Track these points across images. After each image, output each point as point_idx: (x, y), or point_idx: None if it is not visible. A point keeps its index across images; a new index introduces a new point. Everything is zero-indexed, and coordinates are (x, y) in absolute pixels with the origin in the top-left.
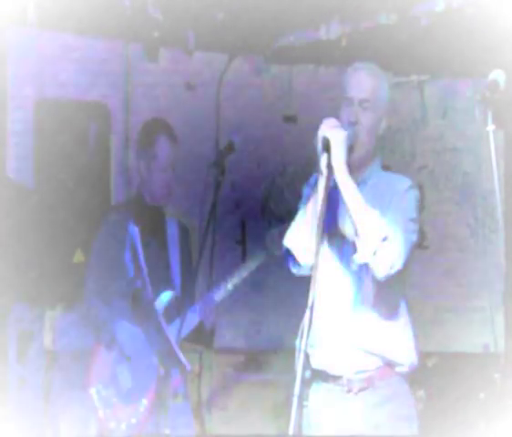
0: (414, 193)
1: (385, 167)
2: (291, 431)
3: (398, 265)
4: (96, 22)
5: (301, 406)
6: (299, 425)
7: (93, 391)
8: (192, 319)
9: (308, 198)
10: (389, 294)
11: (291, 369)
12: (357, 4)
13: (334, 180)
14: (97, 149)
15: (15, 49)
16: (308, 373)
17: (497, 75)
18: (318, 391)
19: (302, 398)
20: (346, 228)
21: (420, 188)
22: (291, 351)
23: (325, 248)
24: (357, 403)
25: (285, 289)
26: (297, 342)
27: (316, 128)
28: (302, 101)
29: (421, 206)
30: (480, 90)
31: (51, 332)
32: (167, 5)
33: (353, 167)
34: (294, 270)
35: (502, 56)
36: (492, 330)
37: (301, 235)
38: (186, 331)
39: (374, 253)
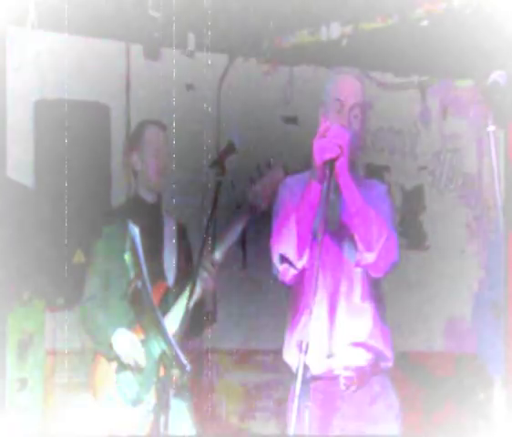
0: (391, 198)
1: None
2: (291, 432)
3: (394, 260)
4: (96, 22)
5: (301, 406)
6: (299, 425)
7: (96, 393)
8: (195, 291)
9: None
10: (380, 290)
11: (292, 369)
12: (357, 4)
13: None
14: (97, 149)
15: (14, 49)
16: (309, 374)
17: (498, 75)
18: (314, 389)
19: (302, 398)
20: (343, 228)
21: (420, 188)
22: None
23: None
24: (354, 400)
25: (286, 289)
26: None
27: (316, 129)
28: (302, 102)
29: (422, 206)
30: (481, 91)
31: (51, 333)
32: (167, 5)
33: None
34: (286, 279)
35: (502, 57)
36: (492, 331)
37: (295, 239)
38: (191, 304)
39: (375, 255)
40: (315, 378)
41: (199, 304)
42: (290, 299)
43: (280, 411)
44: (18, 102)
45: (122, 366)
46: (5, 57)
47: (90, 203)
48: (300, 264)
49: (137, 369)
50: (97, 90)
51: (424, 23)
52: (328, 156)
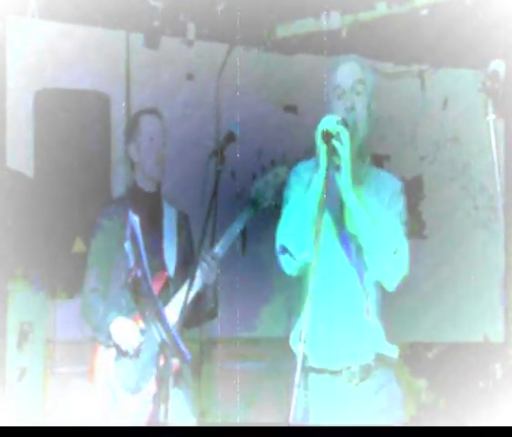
0: (404, 195)
1: (378, 157)
2: (291, 421)
3: (405, 272)
4: (96, 11)
5: (301, 395)
6: (299, 414)
7: (95, 382)
8: (195, 283)
9: (298, 191)
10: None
11: (292, 358)
12: None
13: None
14: (97, 138)
15: (14, 38)
16: (308, 363)
17: (498, 64)
18: (318, 380)
19: (302, 387)
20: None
21: (420, 177)
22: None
23: (325, 242)
24: (357, 392)
25: (286, 278)
26: (291, 337)
27: (316, 118)
28: (302, 91)
29: (421, 195)
30: (481, 80)
31: (51, 322)
32: None
33: (353, 158)
34: (289, 271)
35: (502, 46)
36: (492, 321)
37: (296, 230)
38: (190, 297)
39: (387, 269)
40: (318, 370)
41: (200, 297)
42: (296, 286)
43: (280, 400)
44: (18, 92)
45: (121, 353)
46: (6, 48)
47: (90, 192)
48: (301, 257)
49: (136, 355)
50: (98, 79)
51: (424, 12)
52: (327, 127)
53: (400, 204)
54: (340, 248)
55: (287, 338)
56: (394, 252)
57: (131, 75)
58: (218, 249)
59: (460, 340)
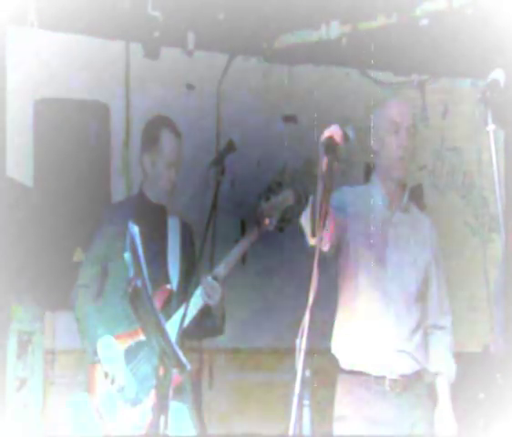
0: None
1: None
2: (291, 432)
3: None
4: (96, 21)
5: (301, 406)
6: (299, 425)
7: (96, 394)
8: (196, 302)
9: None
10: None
11: (292, 368)
12: (357, 4)
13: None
14: (97, 149)
15: (14, 47)
16: (308, 373)
17: (497, 74)
18: (358, 386)
19: (302, 397)
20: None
21: (420, 187)
22: (291, 351)
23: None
24: (396, 402)
25: (286, 288)
26: (297, 342)
27: (316, 128)
28: (301, 101)
29: (421, 205)
30: (480, 90)
31: (51, 332)
32: (167, 4)
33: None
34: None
35: (502, 56)
36: (492, 330)
37: (309, 219)
38: (191, 315)
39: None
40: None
41: (205, 314)
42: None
43: (281, 411)
44: (18, 101)
45: (103, 374)
46: (5, 56)
47: (90, 202)
48: (312, 241)
49: (116, 387)
50: (97, 89)
51: (424, 22)
52: (329, 134)
53: (434, 242)
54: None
55: (289, 349)
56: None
57: (131, 85)
58: (220, 270)
59: (459, 349)
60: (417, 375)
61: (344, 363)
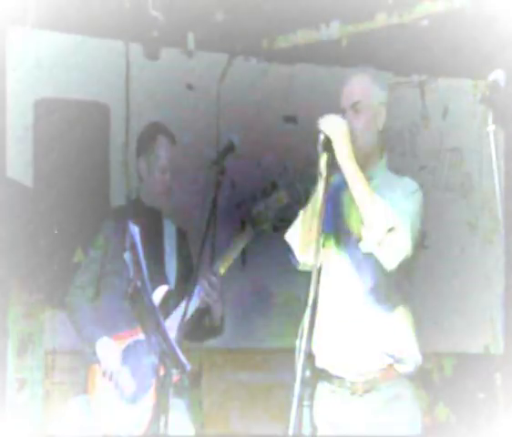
0: (420, 195)
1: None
2: (291, 432)
3: (405, 253)
4: (96, 21)
5: (301, 406)
6: (299, 425)
7: (95, 394)
8: (195, 300)
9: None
10: (394, 291)
11: (292, 369)
12: (357, 4)
13: (336, 178)
14: (97, 149)
15: (14, 48)
16: (308, 373)
17: (498, 75)
18: (322, 392)
19: (301, 398)
20: (352, 223)
21: (420, 187)
22: (291, 351)
23: (330, 246)
24: (361, 405)
25: (286, 289)
26: (297, 342)
27: (316, 129)
28: (302, 101)
29: (424, 208)
30: (480, 90)
31: (51, 332)
32: (167, 4)
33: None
34: (297, 266)
35: (502, 56)
36: (492, 331)
37: (299, 232)
38: (190, 312)
39: (380, 243)
40: (325, 380)
41: (204, 314)
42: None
43: (281, 411)
44: (18, 102)
45: (102, 373)
46: (5, 57)
47: (89, 202)
48: (301, 259)
49: (115, 386)
50: (97, 90)
51: (424, 22)
52: (324, 127)
53: (410, 203)
54: (346, 249)
55: (288, 348)
56: (390, 229)
57: (131, 85)
58: (220, 270)
59: (460, 350)
60: (385, 373)
61: (318, 362)
